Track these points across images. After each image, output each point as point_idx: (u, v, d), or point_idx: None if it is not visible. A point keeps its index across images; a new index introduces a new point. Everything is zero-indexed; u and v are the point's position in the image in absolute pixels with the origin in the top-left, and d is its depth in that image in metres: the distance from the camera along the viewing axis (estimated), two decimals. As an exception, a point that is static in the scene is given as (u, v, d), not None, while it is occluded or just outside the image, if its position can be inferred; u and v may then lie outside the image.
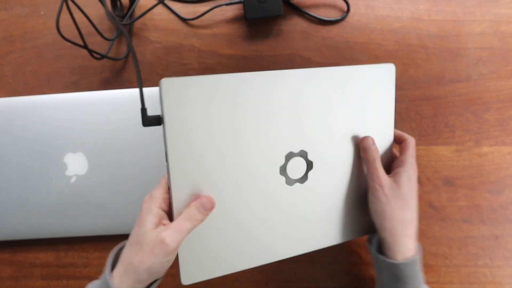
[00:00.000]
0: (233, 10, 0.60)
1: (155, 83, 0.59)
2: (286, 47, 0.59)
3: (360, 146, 0.46)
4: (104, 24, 0.60)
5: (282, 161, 0.43)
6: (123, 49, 0.60)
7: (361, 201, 0.48)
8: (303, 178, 0.44)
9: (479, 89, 0.58)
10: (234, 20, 0.60)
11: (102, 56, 0.58)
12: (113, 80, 0.60)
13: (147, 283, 0.40)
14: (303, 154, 0.44)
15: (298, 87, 0.42)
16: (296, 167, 0.44)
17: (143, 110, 0.41)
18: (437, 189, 0.58)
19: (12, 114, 0.56)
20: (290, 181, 0.44)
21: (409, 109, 0.58)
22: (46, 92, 0.60)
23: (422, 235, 0.57)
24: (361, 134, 0.46)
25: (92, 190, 0.55)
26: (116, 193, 0.55)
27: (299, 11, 0.59)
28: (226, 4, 0.58)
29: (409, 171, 0.45)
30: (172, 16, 0.60)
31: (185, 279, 0.42)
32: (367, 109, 0.46)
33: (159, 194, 0.41)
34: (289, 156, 0.43)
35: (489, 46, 0.59)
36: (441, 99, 0.59)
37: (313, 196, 0.45)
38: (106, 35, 0.59)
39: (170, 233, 0.38)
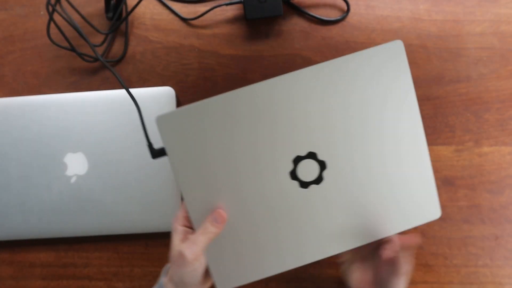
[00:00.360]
0: (233, 10, 0.60)
1: (155, 83, 0.59)
2: (286, 47, 0.59)
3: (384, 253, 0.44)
4: (103, 24, 0.60)
5: (291, 166, 0.43)
6: (120, 49, 0.60)
7: (388, 195, 0.45)
8: (318, 179, 0.43)
9: (479, 89, 0.58)
10: (234, 20, 0.60)
11: (95, 59, 0.58)
12: (113, 80, 0.60)
13: None
14: (311, 156, 0.43)
15: (292, 92, 0.42)
16: (308, 169, 0.43)
17: (150, 145, 0.46)
18: (437, 189, 0.58)
19: (12, 114, 0.56)
20: (304, 184, 0.43)
21: (409, 109, 0.58)
22: (46, 92, 0.60)
23: (422, 235, 0.57)
24: (381, 123, 0.43)
25: (92, 190, 0.55)
26: (116, 193, 0.55)
27: (299, 11, 0.59)
28: (226, 4, 0.58)
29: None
30: (172, 16, 0.60)
31: (220, 285, 0.45)
32: (380, 95, 0.43)
33: (181, 214, 0.45)
34: (297, 160, 0.43)
35: (489, 46, 0.59)
36: (441, 99, 0.59)
37: (335, 196, 0.44)
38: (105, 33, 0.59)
39: (186, 246, 0.42)
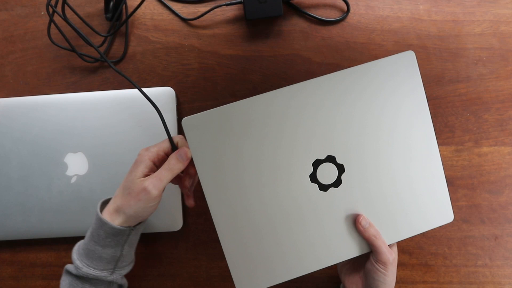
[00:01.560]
0: (233, 10, 0.60)
1: (155, 84, 0.59)
2: (286, 47, 0.60)
3: (357, 226, 0.45)
4: (103, 24, 0.60)
5: (311, 170, 0.44)
6: (120, 50, 0.60)
7: (403, 199, 0.45)
8: (337, 182, 0.44)
9: (478, 89, 0.59)
10: (234, 20, 0.60)
11: (95, 60, 0.58)
12: (113, 80, 0.60)
13: (134, 222, 0.46)
14: (330, 159, 0.44)
15: (312, 97, 0.43)
16: (327, 172, 0.44)
17: (174, 148, 0.46)
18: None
19: (13, 114, 0.56)
20: (323, 187, 0.44)
21: (409, 109, 0.59)
22: (46, 92, 0.60)
23: (422, 235, 0.58)
24: (395, 129, 0.44)
25: (92, 190, 0.56)
26: (117, 193, 0.55)
27: (299, 11, 0.59)
28: (226, 5, 0.58)
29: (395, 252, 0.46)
30: (172, 16, 0.60)
31: None
32: (394, 102, 0.44)
33: (155, 150, 0.45)
34: (317, 163, 0.44)
35: (488, 46, 0.59)
36: (441, 99, 0.59)
37: (354, 198, 0.45)
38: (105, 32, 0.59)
39: (152, 182, 0.43)
